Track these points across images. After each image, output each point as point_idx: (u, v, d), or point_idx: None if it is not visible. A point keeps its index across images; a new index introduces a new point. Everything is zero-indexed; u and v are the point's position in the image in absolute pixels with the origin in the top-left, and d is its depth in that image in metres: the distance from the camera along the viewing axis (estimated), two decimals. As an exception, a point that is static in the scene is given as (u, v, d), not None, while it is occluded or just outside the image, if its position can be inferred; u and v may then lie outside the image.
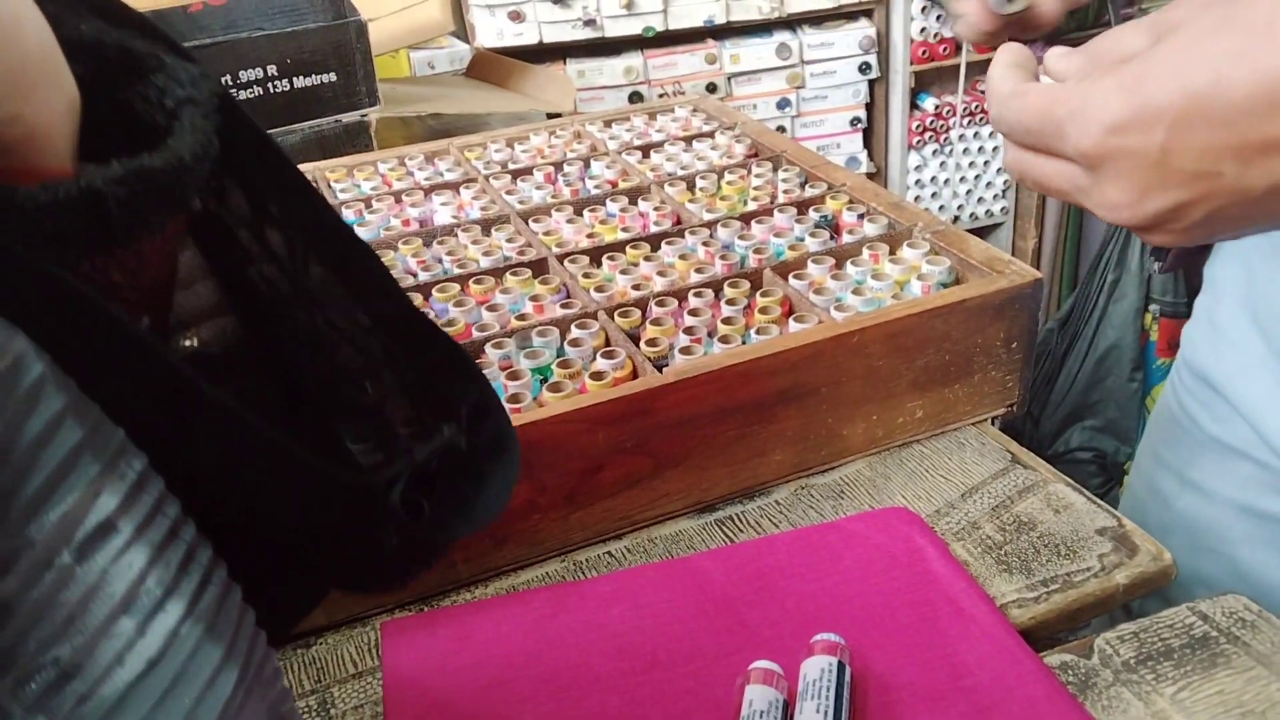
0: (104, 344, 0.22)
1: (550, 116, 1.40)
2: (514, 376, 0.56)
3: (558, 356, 0.58)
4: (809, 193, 0.76)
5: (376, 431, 0.31)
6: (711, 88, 1.86)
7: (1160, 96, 0.34)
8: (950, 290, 0.61)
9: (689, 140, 0.88)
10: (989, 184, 2.08)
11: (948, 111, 1.98)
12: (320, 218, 0.29)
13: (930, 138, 1.99)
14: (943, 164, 2.03)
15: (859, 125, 1.98)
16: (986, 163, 2.05)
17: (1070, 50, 0.43)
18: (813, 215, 0.72)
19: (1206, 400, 0.66)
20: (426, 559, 0.31)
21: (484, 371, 0.56)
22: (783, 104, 1.92)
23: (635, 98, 1.84)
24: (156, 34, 0.27)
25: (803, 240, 0.70)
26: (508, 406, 0.53)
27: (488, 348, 0.59)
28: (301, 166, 0.84)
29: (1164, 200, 0.36)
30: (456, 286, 0.65)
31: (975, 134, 2.01)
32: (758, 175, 0.80)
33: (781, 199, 0.76)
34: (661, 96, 1.85)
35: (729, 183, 0.79)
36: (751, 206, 0.75)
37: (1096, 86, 0.36)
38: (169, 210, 0.24)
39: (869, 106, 1.97)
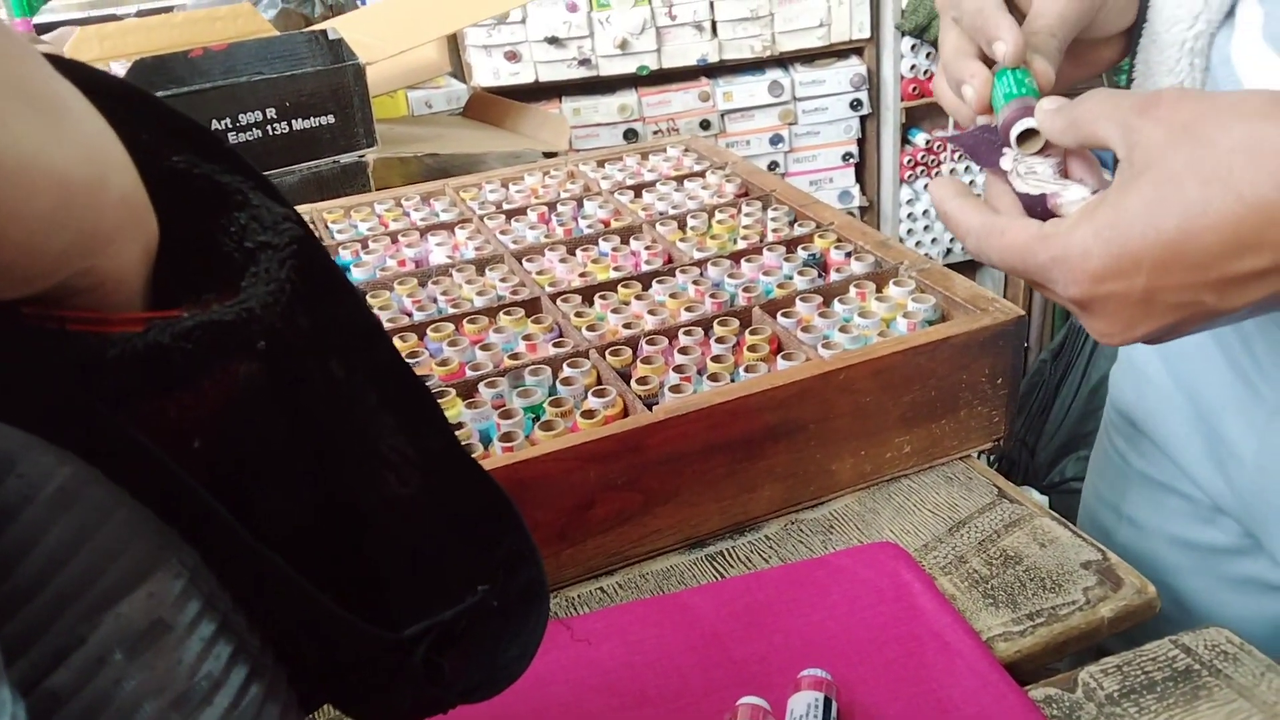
0: (155, 483, 0.23)
1: (546, 155, 1.42)
2: (507, 415, 0.57)
3: (550, 395, 0.59)
4: (798, 231, 0.78)
5: (412, 577, 0.31)
6: (705, 124, 1.89)
7: (1136, 246, 0.38)
8: (935, 328, 0.62)
9: (680, 180, 0.89)
10: (981, 217, 2.10)
11: (939, 146, 2.00)
12: (382, 354, 0.29)
13: (921, 172, 2.02)
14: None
15: (851, 160, 2.00)
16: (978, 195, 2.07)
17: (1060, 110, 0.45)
18: (801, 253, 0.74)
19: (1132, 438, 0.70)
20: (439, 710, 0.31)
21: (477, 410, 0.57)
22: (775, 140, 1.94)
23: (630, 134, 1.87)
24: (246, 169, 0.27)
25: (791, 278, 0.71)
26: (499, 446, 0.54)
27: (481, 386, 0.60)
28: (299, 208, 0.86)
29: (1151, 327, 0.40)
30: (451, 326, 0.66)
31: (966, 168, 2.04)
32: (747, 214, 0.81)
33: (771, 237, 0.77)
34: (656, 134, 1.88)
35: (719, 221, 0.80)
36: (741, 245, 0.76)
37: (1076, 234, 0.40)
38: (234, 357, 0.25)
39: (861, 142, 2.00)
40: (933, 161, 2.01)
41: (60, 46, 1.21)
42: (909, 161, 2.00)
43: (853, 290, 0.68)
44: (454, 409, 0.58)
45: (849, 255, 0.73)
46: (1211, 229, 0.36)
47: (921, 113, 2.01)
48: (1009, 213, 0.45)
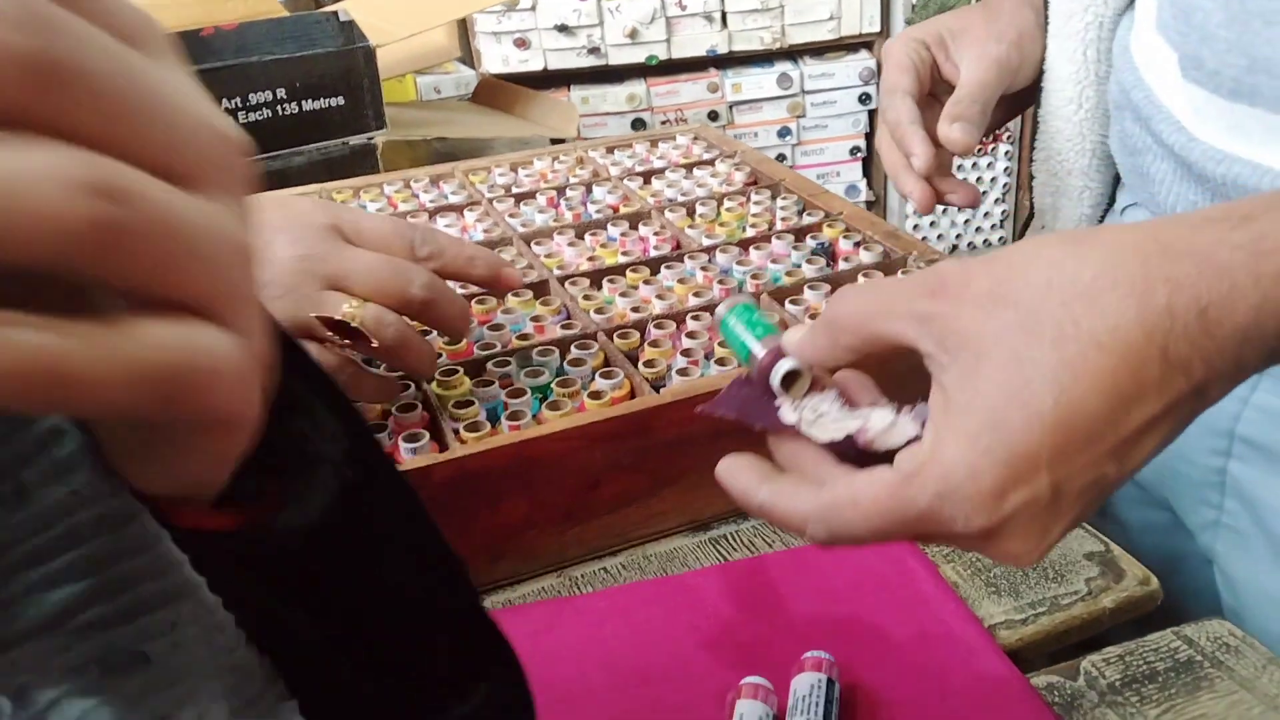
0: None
1: (553, 142, 1.42)
2: (515, 394, 0.57)
3: (558, 375, 0.59)
4: (806, 220, 0.78)
5: (395, 693, 0.31)
6: (713, 116, 1.89)
7: (1024, 442, 0.33)
8: (943, 317, 0.62)
9: (689, 167, 0.89)
10: (986, 214, 2.10)
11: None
12: (419, 532, 0.31)
13: (929, 168, 2.02)
14: (997, 199, 2.05)
15: (859, 154, 2.00)
16: (985, 192, 2.07)
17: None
18: (810, 242, 0.74)
19: None
20: None
21: (486, 388, 0.57)
22: (783, 133, 1.94)
23: (638, 124, 1.86)
24: (315, 378, 0.28)
25: (800, 266, 0.71)
26: (506, 424, 0.54)
27: (489, 365, 0.60)
28: (308, 188, 0.86)
29: (1062, 526, 0.35)
30: (459, 306, 0.66)
31: (974, 164, 2.04)
32: (756, 203, 0.81)
33: (779, 226, 0.78)
34: (664, 124, 1.88)
35: (728, 209, 0.80)
36: (750, 233, 0.76)
37: (948, 459, 0.33)
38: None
39: (868, 136, 2.00)
40: (940, 158, 2.01)
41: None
42: (916, 157, 1.99)
43: (861, 279, 0.68)
44: (461, 387, 0.58)
45: (858, 245, 0.73)
46: (1092, 392, 0.32)
47: (930, 109, 2.00)
48: (832, 474, 0.38)
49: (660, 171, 0.88)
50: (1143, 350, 0.32)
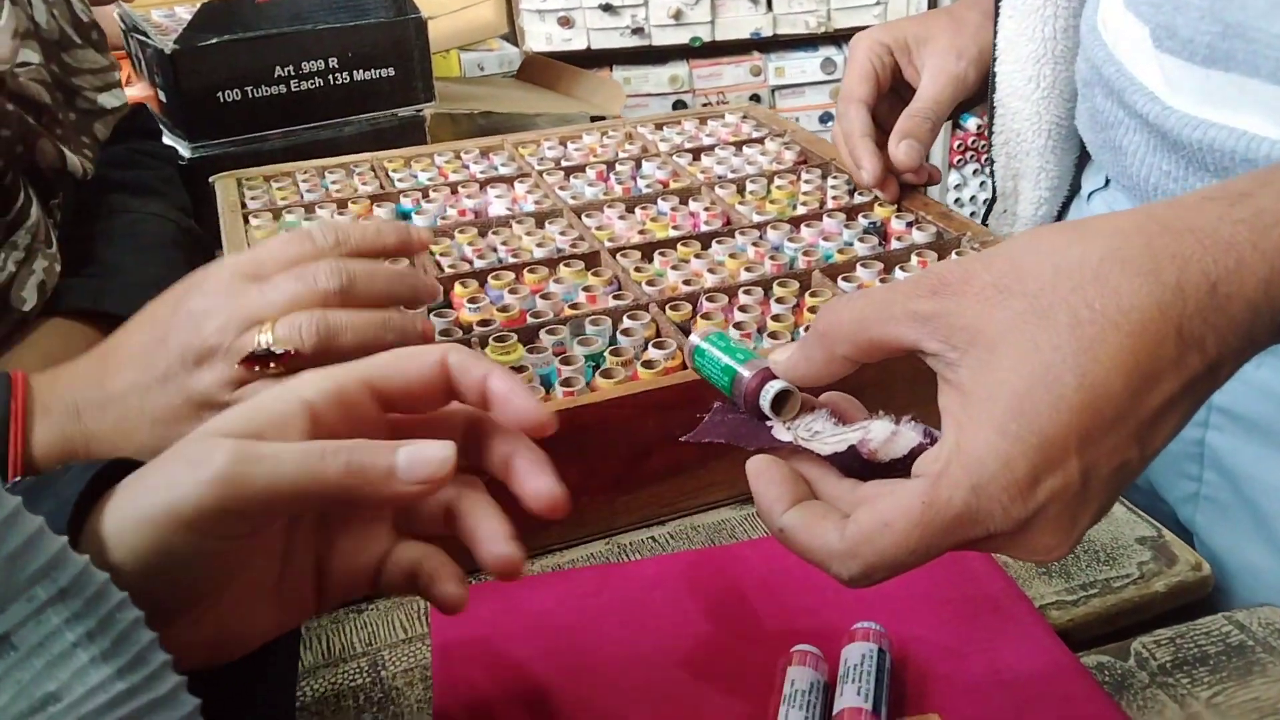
0: None
1: (594, 120, 1.42)
2: (567, 361, 0.57)
3: (610, 344, 0.60)
4: (858, 200, 0.77)
5: None
6: (755, 99, 1.88)
7: (1052, 427, 0.32)
8: (997, 298, 0.62)
9: (739, 145, 0.89)
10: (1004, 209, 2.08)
11: (990, 132, 1.98)
12: None
13: (971, 157, 2.00)
14: (983, 183, 2.03)
15: (901, 142, 1.99)
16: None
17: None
18: (861, 221, 0.74)
19: None
20: None
21: (539, 355, 0.58)
22: (825, 118, 1.93)
23: (679, 106, 1.86)
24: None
25: (851, 245, 0.71)
26: (560, 390, 0.55)
27: (542, 333, 0.60)
28: (359, 156, 0.87)
29: (1089, 515, 0.34)
30: (511, 275, 0.67)
31: (990, 160, 2.02)
32: (807, 181, 0.81)
33: (830, 205, 0.77)
34: (705, 105, 1.87)
35: (778, 187, 0.80)
36: (801, 211, 0.76)
37: (976, 454, 0.33)
38: None
39: (911, 124, 1.98)
40: (983, 146, 1.99)
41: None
42: (959, 145, 1.98)
43: (914, 259, 0.68)
44: (515, 353, 0.59)
45: (910, 225, 0.73)
46: (1113, 372, 0.32)
47: (975, 97, 1.98)
48: (849, 494, 0.37)
49: (710, 149, 0.88)
50: (1159, 328, 0.32)
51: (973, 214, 2.05)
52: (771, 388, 0.39)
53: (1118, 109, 0.65)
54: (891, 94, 0.79)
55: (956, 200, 2.05)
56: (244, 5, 0.95)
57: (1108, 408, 0.32)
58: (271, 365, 0.44)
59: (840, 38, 1.91)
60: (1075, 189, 0.80)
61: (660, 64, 1.84)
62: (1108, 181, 0.75)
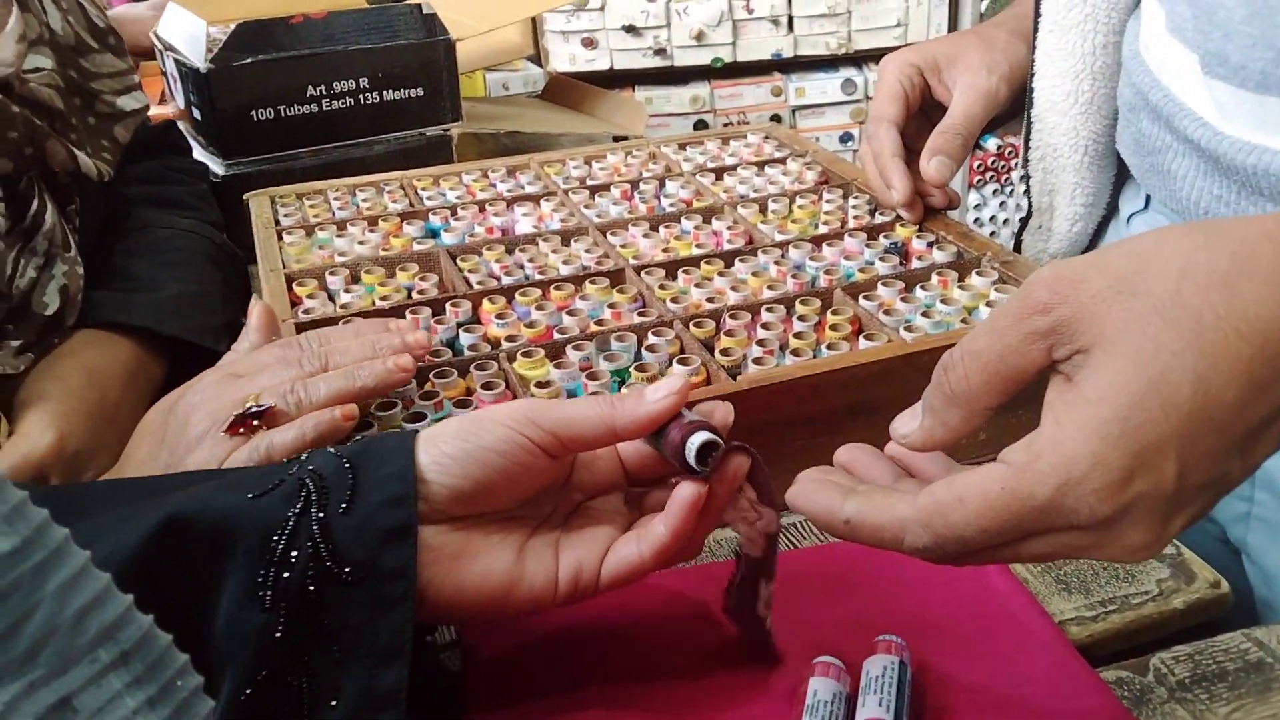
0: None
1: (617, 139, 1.44)
2: (593, 377, 0.58)
3: (635, 360, 0.61)
4: (879, 219, 0.78)
5: None
6: (776, 119, 1.89)
7: (1159, 432, 0.32)
8: (1018, 317, 0.62)
9: (761, 165, 0.90)
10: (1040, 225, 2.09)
11: (1010, 152, 1.99)
12: None
13: (991, 177, 2.01)
14: (1002, 204, 2.04)
15: (921, 162, 2.00)
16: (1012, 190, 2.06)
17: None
18: (883, 241, 0.75)
19: None
20: None
21: (565, 370, 0.59)
22: (845, 138, 1.94)
23: (700, 125, 1.88)
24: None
25: (872, 264, 0.72)
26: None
27: (569, 349, 0.61)
28: (389, 175, 0.88)
29: (1183, 520, 0.35)
30: (538, 291, 0.68)
31: (1027, 175, 2.02)
32: (828, 201, 0.82)
33: (852, 224, 0.78)
34: (726, 125, 1.89)
35: (800, 207, 0.81)
36: (822, 230, 0.77)
37: (1068, 449, 0.33)
38: None
39: (931, 144, 1.99)
40: (1003, 167, 2.00)
41: (159, 11, 1.25)
42: (979, 166, 1.99)
43: (935, 278, 0.69)
44: (542, 369, 0.60)
45: (931, 245, 0.74)
46: (1230, 381, 0.32)
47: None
48: (919, 473, 0.40)
49: (732, 168, 0.90)
50: (1278, 340, 0.32)
51: (993, 234, 2.06)
52: (700, 438, 0.42)
53: (1166, 134, 0.66)
54: (920, 115, 0.80)
55: (976, 220, 2.06)
56: (278, 26, 0.97)
57: (1217, 415, 0.33)
58: (255, 424, 0.49)
59: (860, 59, 1.92)
60: (1111, 208, 0.81)
61: (682, 84, 1.86)
62: (1148, 203, 0.76)
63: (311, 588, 0.37)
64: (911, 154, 0.77)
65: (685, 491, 0.43)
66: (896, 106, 0.77)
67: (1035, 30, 0.77)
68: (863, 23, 1.83)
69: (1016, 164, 2.01)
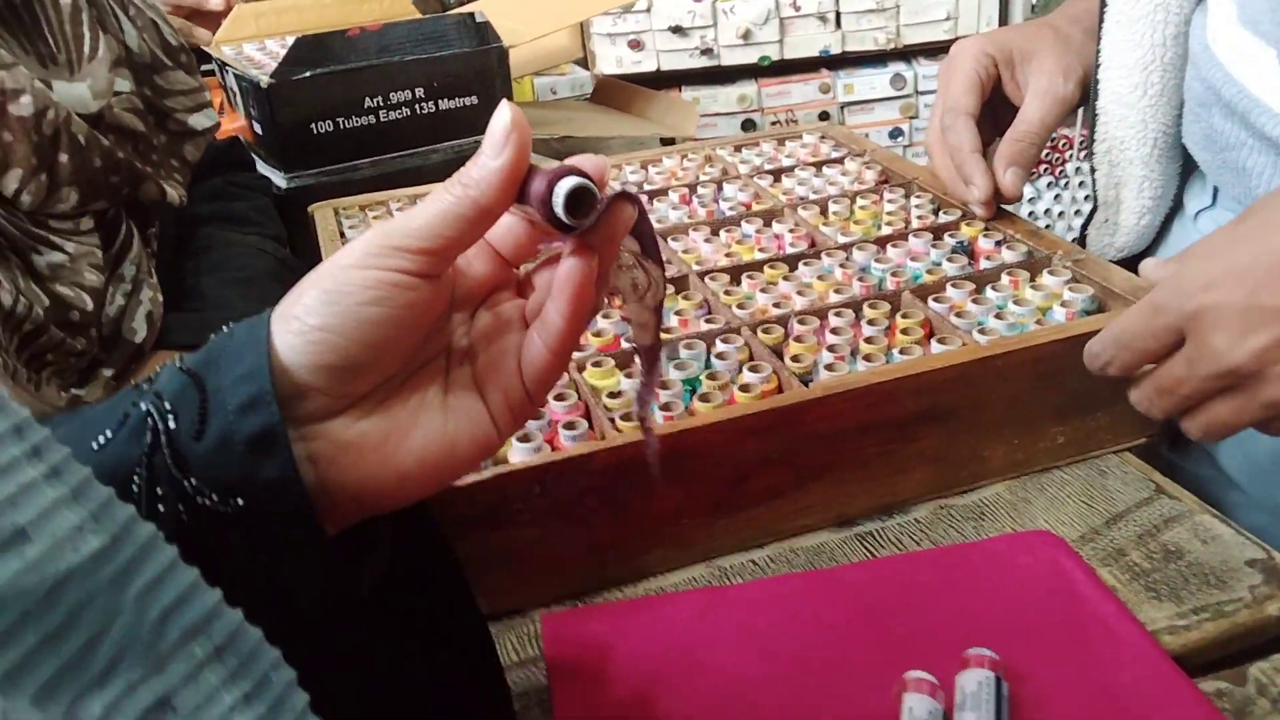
0: None
1: (664, 141, 1.43)
2: (665, 386, 0.58)
3: (705, 369, 0.60)
4: (943, 219, 0.77)
5: None
6: (824, 116, 1.88)
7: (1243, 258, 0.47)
8: (1096, 317, 0.61)
9: (819, 166, 0.89)
10: (1076, 212, 2.04)
11: (1064, 144, 1.95)
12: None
13: (1045, 170, 1.97)
14: (1057, 196, 2.00)
15: (972, 156, 1.97)
16: (1067, 182, 2.02)
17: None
18: (948, 240, 0.73)
19: None
20: None
21: (635, 380, 0.58)
22: (895, 134, 1.92)
23: (748, 125, 1.87)
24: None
25: (940, 265, 0.71)
26: (660, 415, 0.56)
27: (637, 358, 0.61)
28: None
29: (1264, 337, 0.46)
30: (604, 299, 0.68)
31: (1092, 169, 1.98)
32: (890, 201, 0.81)
33: (916, 224, 0.77)
34: (774, 124, 1.88)
35: (862, 207, 0.80)
36: (886, 231, 0.76)
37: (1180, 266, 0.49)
38: None
39: (983, 137, 1.96)
40: (1056, 159, 1.96)
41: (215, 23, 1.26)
42: (1032, 159, 1.95)
43: (1005, 278, 0.67)
44: (612, 378, 0.60)
45: (999, 244, 0.72)
46: None
47: (1048, 109, 1.96)
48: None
49: (790, 170, 0.89)
50: None
51: (1048, 226, 2.02)
52: (568, 183, 0.34)
53: (1240, 130, 0.64)
54: (986, 106, 0.77)
55: (1031, 214, 2.02)
56: (335, 39, 0.98)
57: None
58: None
59: (909, 54, 1.90)
60: (1177, 203, 0.79)
61: (729, 84, 1.85)
62: (1215, 199, 0.74)
63: (192, 531, 0.33)
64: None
65: (567, 268, 0.36)
66: (973, 98, 0.75)
67: (1101, 21, 0.76)
68: (911, 17, 1.81)
69: (1071, 156, 1.97)
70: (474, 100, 1.06)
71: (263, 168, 1.01)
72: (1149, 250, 0.83)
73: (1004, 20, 1.86)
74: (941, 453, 0.60)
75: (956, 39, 1.86)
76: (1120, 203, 0.81)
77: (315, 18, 1.24)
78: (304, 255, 0.86)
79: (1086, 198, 1.93)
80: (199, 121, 0.75)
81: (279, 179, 0.99)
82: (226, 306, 0.72)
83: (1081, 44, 0.76)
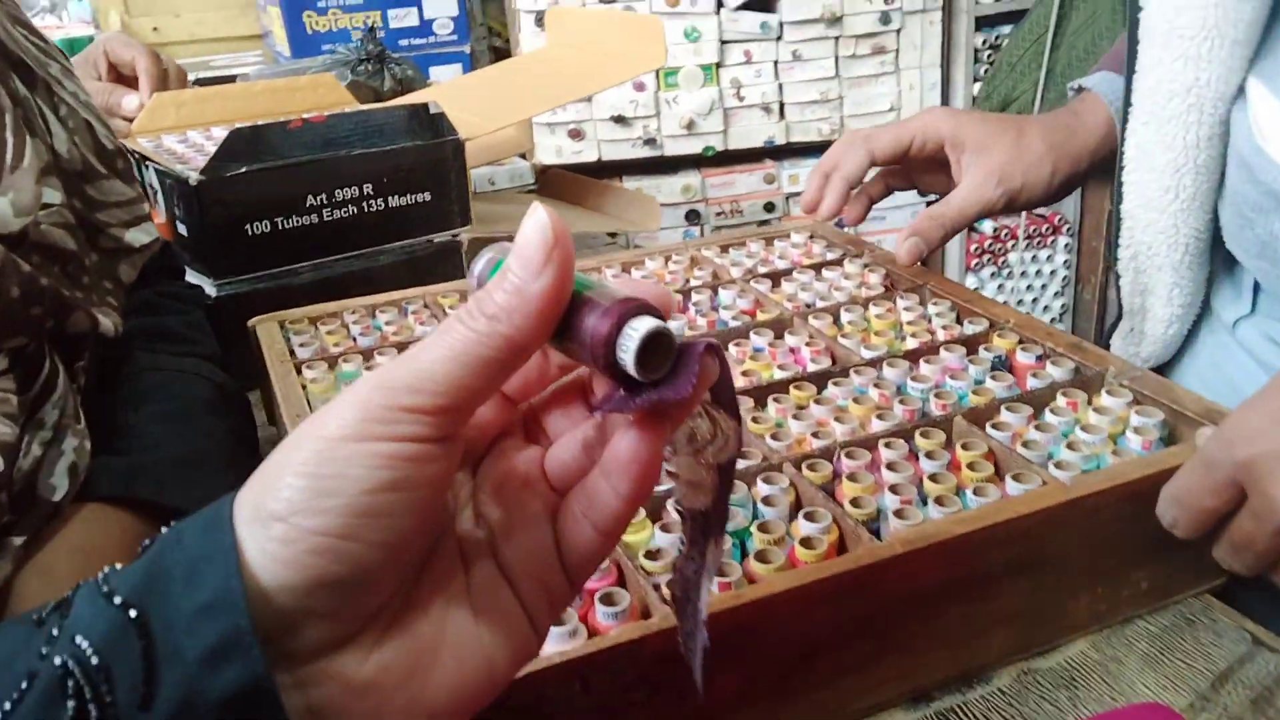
0: None
1: (610, 236, 1.36)
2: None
3: (754, 518, 0.51)
4: (969, 329, 0.71)
5: None
6: (769, 207, 1.84)
7: None
8: (1181, 447, 0.54)
9: (818, 268, 0.83)
10: (1046, 307, 2.04)
11: (1006, 235, 1.95)
12: None
13: (988, 260, 1.97)
14: (1000, 286, 1.99)
15: (916, 247, 1.96)
16: (1044, 286, 2.02)
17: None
18: (984, 354, 0.67)
19: None
20: None
21: (673, 534, 0.49)
22: (839, 224, 1.89)
23: (692, 215, 1.82)
24: None
25: (982, 383, 0.64)
26: (716, 581, 0.46)
27: (670, 505, 0.52)
28: (410, 292, 0.79)
29: None
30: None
31: (1034, 257, 1.99)
32: (906, 309, 0.74)
33: (942, 335, 0.70)
34: (719, 214, 1.83)
35: (877, 316, 0.73)
36: (911, 343, 0.69)
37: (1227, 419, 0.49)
38: None
39: (926, 228, 1.95)
40: (999, 250, 1.96)
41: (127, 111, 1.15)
42: (976, 249, 1.95)
43: (1060, 398, 0.61)
44: (645, 531, 0.50)
45: (1040, 359, 0.66)
46: None
47: (988, 200, 1.97)
48: None
49: (787, 273, 0.82)
50: None
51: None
52: (638, 330, 0.26)
53: None
54: (908, 161, 0.81)
55: (974, 303, 2.01)
56: (274, 131, 0.88)
57: None
58: None
59: (851, 144, 1.89)
60: (1204, 308, 0.75)
61: (672, 173, 1.81)
62: (1254, 307, 0.69)
63: None
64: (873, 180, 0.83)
65: (630, 445, 0.28)
66: (890, 149, 0.79)
67: (1125, 120, 0.72)
68: (855, 109, 1.79)
69: (1014, 246, 1.97)
70: (427, 196, 0.97)
71: (189, 274, 0.90)
72: (1176, 359, 0.78)
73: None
74: (1023, 609, 0.52)
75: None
76: (1146, 311, 0.76)
77: (242, 107, 1.14)
78: (240, 376, 0.75)
79: (1029, 287, 1.93)
80: (136, 237, 0.64)
81: (208, 286, 0.88)
82: (157, 446, 0.60)
83: (1038, 159, 0.77)
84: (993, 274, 1.97)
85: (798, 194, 1.87)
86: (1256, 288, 0.70)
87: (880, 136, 0.79)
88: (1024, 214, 1.95)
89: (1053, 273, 1.97)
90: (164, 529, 0.27)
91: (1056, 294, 1.99)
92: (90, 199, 0.61)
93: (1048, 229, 1.87)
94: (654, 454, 0.28)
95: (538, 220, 0.27)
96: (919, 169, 0.83)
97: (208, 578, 0.25)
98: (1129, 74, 0.70)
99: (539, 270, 0.26)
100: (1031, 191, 0.77)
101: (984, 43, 1.85)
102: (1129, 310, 0.77)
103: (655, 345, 0.26)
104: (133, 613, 0.25)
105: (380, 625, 0.27)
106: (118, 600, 0.25)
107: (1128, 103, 0.71)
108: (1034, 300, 2.01)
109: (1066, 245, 2.00)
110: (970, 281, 1.97)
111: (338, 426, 0.26)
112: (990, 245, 1.94)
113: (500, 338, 0.26)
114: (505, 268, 0.27)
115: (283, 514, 0.26)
